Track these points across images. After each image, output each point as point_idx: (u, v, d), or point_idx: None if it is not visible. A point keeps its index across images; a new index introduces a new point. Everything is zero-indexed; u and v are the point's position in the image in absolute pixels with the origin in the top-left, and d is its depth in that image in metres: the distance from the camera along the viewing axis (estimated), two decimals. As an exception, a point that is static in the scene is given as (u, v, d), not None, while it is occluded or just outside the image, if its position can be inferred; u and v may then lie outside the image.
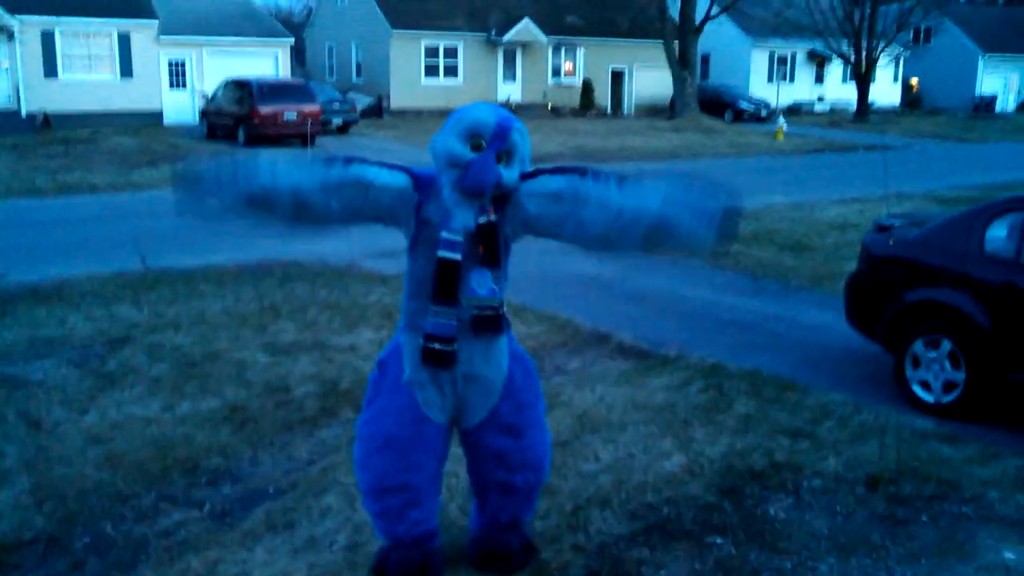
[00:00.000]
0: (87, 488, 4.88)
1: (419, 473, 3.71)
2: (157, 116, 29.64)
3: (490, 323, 3.55)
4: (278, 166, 3.55)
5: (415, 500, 3.74)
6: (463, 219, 3.42)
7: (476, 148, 3.37)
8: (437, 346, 3.50)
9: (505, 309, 3.63)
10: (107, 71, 29.01)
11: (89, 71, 28.75)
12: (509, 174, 3.43)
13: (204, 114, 27.42)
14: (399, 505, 3.73)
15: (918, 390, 6.38)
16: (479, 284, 3.50)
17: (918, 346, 6.39)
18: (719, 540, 4.36)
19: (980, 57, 50.72)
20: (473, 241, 3.44)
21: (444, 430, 3.75)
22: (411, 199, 3.50)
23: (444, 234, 3.42)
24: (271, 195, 3.49)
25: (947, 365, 6.21)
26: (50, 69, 27.89)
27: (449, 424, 3.76)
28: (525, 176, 3.53)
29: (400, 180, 3.53)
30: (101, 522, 4.57)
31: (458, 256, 3.42)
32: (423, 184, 3.53)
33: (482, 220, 3.43)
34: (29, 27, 27.08)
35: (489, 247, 3.46)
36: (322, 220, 3.58)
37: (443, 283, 3.45)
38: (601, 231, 3.46)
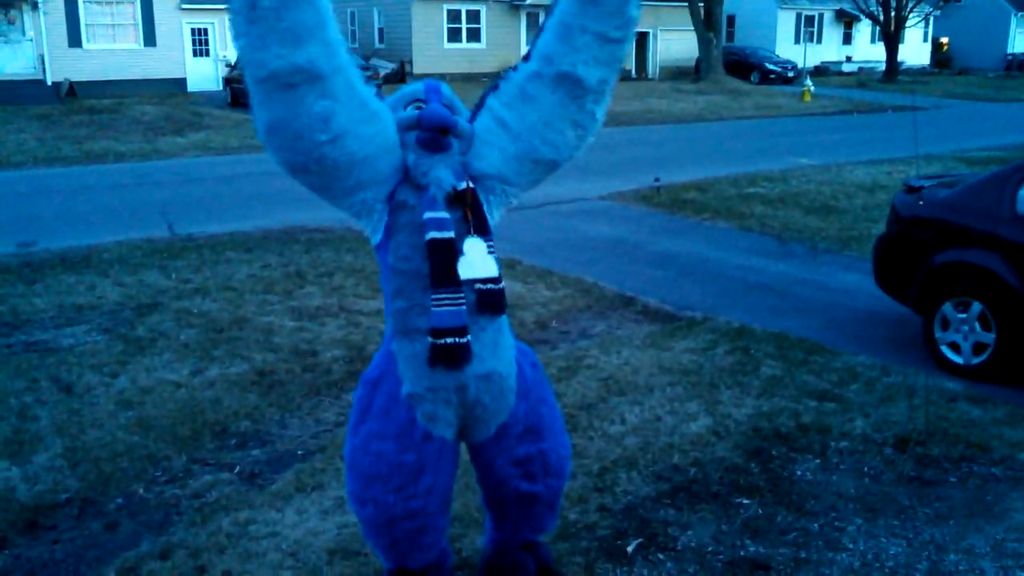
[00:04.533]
0: (119, 451, 4.95)
1: (429, 497, 3.22)
2: (181, 84, 29.70)
3: (496, 298, 3.11)
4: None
5: (426, 526, 3.27)
6: (440, 188, 3.06)
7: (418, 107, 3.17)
8: (450, 340, 3.02)
9: (503, 284, 3.15)
10: (131, 40, 29.03)
11: (113, 40, 28.78)
12: (460, 120, 3.17)
13: (228, 81, 27.40)
14: (410, 533, 3.26)
15: (947, 352, 6.32)
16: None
17: (948, 308, 6.33)
18: (746, 501, 4.37)
19: (1013, 15, 49.70)
20: (457, 212, 3.08)
21: (452, 446, 3.27)
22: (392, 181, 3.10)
23: (428, 214, 3.02)
24: None
25: (977, 327, 6.14)
26: (74, 38, 27.95)
27: (456, 439, 3.29)
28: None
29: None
30: (133, 484, 4.64)
31: (451, 234, 3.01)
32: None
33: (460, 186, 3.07)
34: (53, -4, 27.14)
35: (476, 213, 3.10)
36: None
37: (441, 265, 3.01)
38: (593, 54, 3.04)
